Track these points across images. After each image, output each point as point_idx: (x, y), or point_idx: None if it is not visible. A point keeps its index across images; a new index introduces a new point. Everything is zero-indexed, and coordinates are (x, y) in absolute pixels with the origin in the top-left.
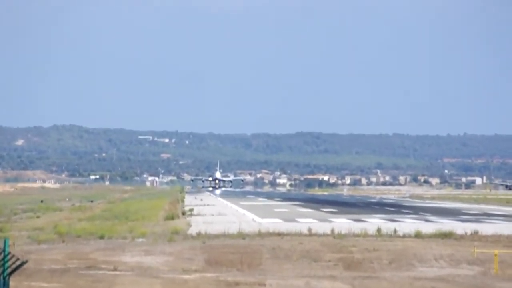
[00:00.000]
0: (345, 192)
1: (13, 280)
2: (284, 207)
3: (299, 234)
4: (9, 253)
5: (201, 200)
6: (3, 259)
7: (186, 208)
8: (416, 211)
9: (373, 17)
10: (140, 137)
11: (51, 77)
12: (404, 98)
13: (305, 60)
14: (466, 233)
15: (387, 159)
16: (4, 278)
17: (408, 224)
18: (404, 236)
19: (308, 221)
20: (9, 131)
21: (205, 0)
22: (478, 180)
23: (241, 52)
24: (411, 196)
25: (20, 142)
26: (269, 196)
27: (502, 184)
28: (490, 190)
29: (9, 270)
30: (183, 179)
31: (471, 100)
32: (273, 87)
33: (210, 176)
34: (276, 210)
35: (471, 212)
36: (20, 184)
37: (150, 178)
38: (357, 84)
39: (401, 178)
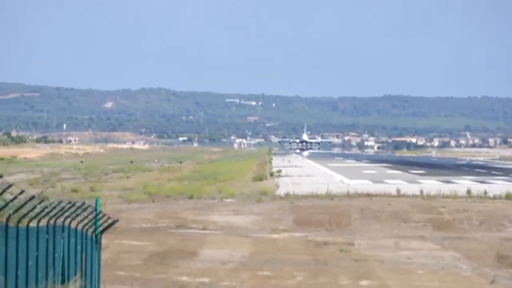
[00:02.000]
0: (434, 154)
1: (105, 238)
2: (372, 168)
3: (387, 195)
4: (100, 211)
5: (289, 161)
6: (95, 217)
7: (274, 169)
8: (506, 172)
9: None
10: (227, 100)
11: (140, 42)
12: (493, 60)
13: (391, 22)
14: None
15: (476, 122)
16: (96, 236)
17: (498, 186)
18: (494, 197)
19: (397, 182)
20: (99, 94)
21: None
22: None
23: (326, 15)
24: (501, 158)
25: (109, 105)
26: (357, 158)
27: None
28: None
29: (100, 228)
30: (270, 141)
31: None
32: (359, 51)
33: (297, 138)
34: (364, 171)
35: None
36: (109, 145)
37: (237, 140)
38: (445, 46)
39: (491, 141)
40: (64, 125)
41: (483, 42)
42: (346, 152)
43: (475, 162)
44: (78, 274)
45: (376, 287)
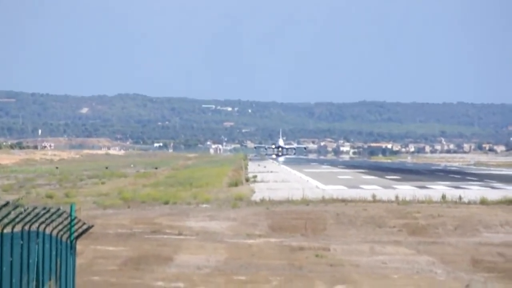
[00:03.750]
0: (409, 159)
1: (80, 243)
2: (348, 174)
3: (363, 201)
4: (75, 217)
5: (265, 167)
6: (69, 223)
7: (250, 175)
8: (481, 178)
9: None
10: (203, 106)
11: (116, 47)
12: (469, 66)
13: (368, 28)
14: None
15: (451, 127)
16: (71, 242)
17: (473, 191)
18: (469, 202)
19: (372, 188)
20: (74, 99)
21: None
22: None
23: (303, 20)
24: (476, 164)
25: (85, 110)
26: (333, 163)
27: None
28: None
29: (75, 234)
30: (246, 146)
31: None
32: (336, 56)
33: (273, 144)
34: (340, 177)
35: None
36: (85, 151)
37: (213, 146)
38: (421, 52)
39: (466, 146)
40: (39, 131)
41: (459, 49)
42: (322, 157)
43: (450, 168)
44: (53, 280)
45: None
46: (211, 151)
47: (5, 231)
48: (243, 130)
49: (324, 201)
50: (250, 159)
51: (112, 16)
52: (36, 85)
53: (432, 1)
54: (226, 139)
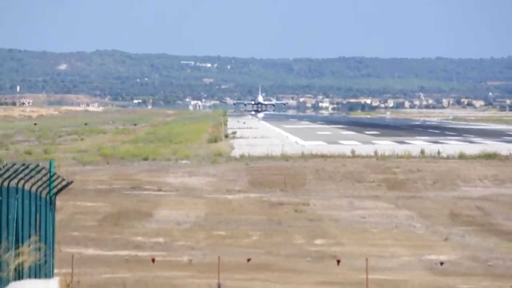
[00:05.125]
0: (388, 115)
1: (59, 199)
2: (327, 130)
3: (342, 156)
4: (54, 173)
5: (244, 123)
6: (48, 179)
7: (229, 131)
8: (460, 133)
9: None
10: (182, 62)
11: (94, 3)
12: (446, 21)
13: None
14: (510, 154)
15: (430, 83)
16: (50, 198)
17: (452, 146)
18: (448, 157)
19: (351, 143)
20: (52, 56)
21: None
22: None
23: None
24: (454, 119)
25: (63, 67)
26: (312, 119)
27: None
28: None
29: (54, 190)
30: (225, 103)
31: None
32: (315, 12)
33: (252, 100)
34: (319, 133)
35: None
36: (63, 107)
37: (192, 102)
38: (399, 7)
39: (444, 101)
40: (18, 87)
41: (437, 4)
42: (301, 113)
43: (428, 123)
44: (33, 235)
45: (330, 245)
46: (190, 107)
47: None
48: (222, 86)
49: (303, 156)
50: (230, 115)
51: None
52: (14, 41)
53: None
54: (205, 95)
